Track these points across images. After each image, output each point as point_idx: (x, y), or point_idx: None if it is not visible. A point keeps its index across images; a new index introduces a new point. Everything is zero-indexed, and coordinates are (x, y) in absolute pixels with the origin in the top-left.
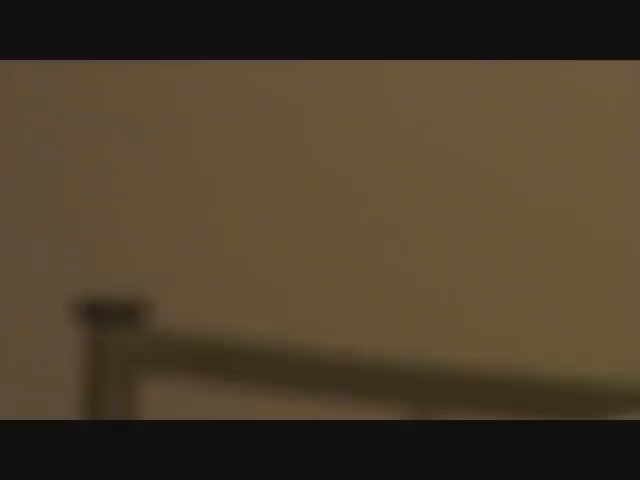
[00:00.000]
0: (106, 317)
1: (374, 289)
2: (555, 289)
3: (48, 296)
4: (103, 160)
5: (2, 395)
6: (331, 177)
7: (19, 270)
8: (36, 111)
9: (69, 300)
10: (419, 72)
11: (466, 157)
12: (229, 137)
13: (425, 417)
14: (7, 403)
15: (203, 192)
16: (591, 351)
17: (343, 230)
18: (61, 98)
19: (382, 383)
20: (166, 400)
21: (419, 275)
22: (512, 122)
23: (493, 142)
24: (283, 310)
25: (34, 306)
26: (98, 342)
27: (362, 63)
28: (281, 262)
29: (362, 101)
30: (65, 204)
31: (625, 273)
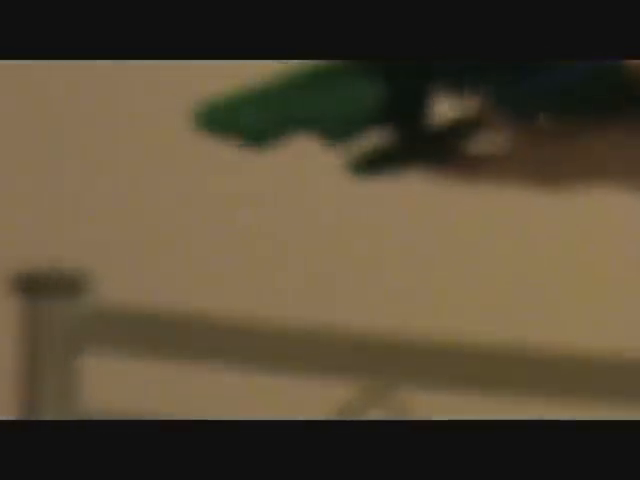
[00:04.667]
0: (45, 290)
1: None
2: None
3: None
4: (51, 142)
5: None
6: (323, 177)
7: None
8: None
9: (5, 272)
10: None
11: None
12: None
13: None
14: None
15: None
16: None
17: (340, 227)
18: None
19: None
20: (109, 380)
21: (417, 271)
22: None
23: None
24: (239, 285)
25: None
26: (36, 316)
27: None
28: (239, 238)
29: None
30: (3, 176)
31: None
